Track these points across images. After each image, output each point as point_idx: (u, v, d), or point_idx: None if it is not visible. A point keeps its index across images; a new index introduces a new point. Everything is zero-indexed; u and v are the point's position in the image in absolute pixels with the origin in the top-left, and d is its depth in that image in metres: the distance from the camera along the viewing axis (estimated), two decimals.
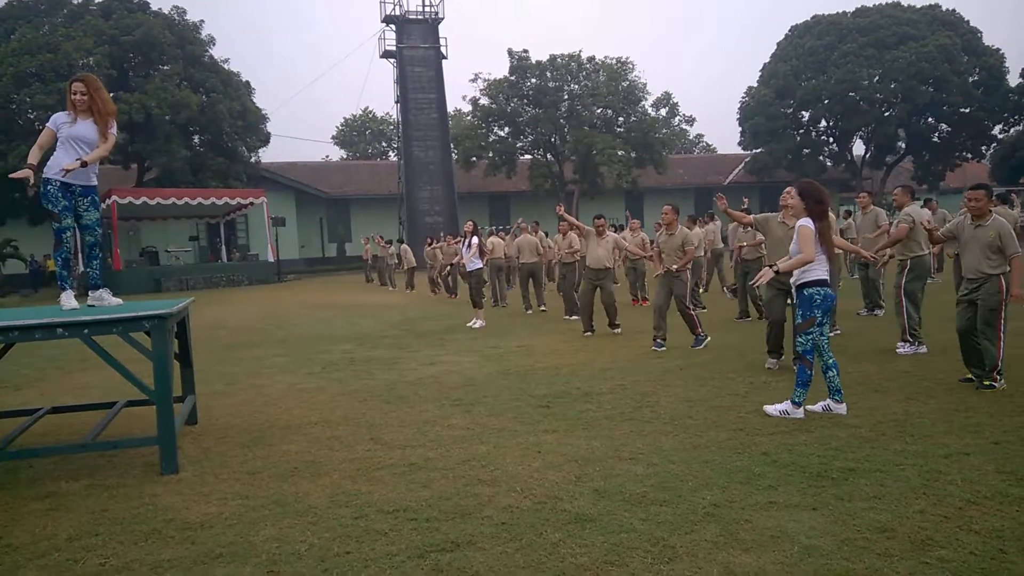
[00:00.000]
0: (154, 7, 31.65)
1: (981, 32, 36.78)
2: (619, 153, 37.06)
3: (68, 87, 5.31)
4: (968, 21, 36.85)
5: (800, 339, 5.51)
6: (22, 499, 4.39)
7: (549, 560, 3.25)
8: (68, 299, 5.28)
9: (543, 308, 13.83)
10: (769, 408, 5.54)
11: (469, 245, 12.38)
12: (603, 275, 10.33)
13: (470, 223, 12.75)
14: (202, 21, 32.66)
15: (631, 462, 4.54)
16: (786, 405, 5.48)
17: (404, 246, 22.54)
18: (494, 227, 30.10)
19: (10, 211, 28.70)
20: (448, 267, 19.05)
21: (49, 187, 5.15)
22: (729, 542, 3.35)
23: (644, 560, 3.21)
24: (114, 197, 25.56)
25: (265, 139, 34.81)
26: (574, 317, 11.86)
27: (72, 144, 5.17)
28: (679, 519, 3.62)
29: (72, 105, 5.21)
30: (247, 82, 33.95)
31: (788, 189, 7.35)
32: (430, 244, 20.85)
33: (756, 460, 4.47)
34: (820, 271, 5.42)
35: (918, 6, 37.35)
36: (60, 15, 30.10)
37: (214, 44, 32.76)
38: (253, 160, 34.66)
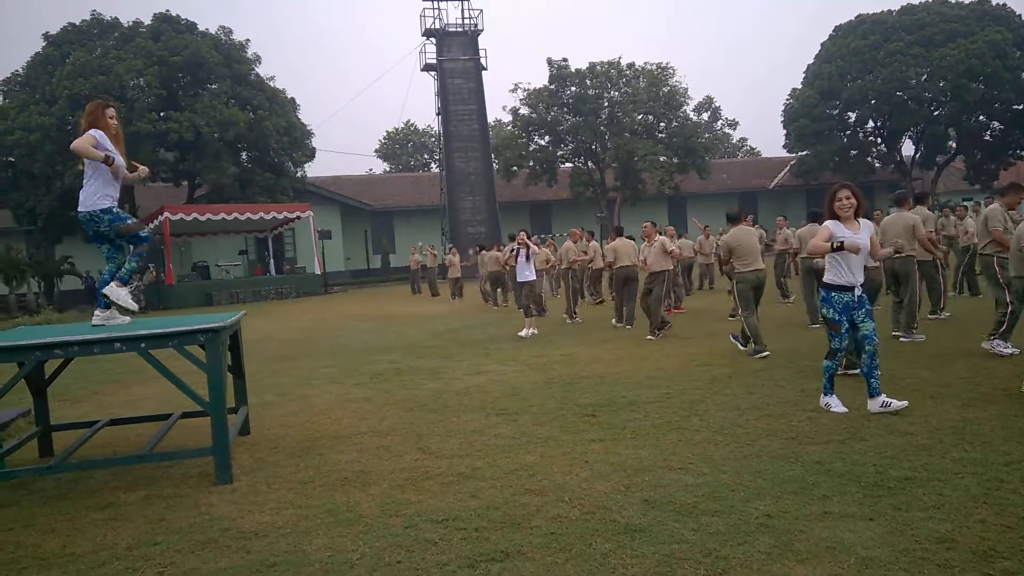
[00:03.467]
0: (201, 28, 32.45)
1: None
2: (661, 159, 36.85)
3: (101, 111, 5.20)
4: (1020, 15, 35.85)
5: None
6: (83, 509, 4.52)
7: (599, 571, 3.24)
8: (128, 296, 5.36)
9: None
10: (896, 405, 5.51)
11: (527, 256, 12.30)
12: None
13: (523, 232, 12.68)
14: (248, 40, 33.36)
15: (680, 472, 4.50)
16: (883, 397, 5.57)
17: (451, 256, 22.65)
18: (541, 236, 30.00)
19: (66, 229, 29.62)
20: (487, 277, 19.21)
21: (115, 210, 5.19)
22: (783, 553, 3.29)
23: (696, 572, 3.18)
24: (166, 214, 26.23)
25: (311, 154, 35.37)
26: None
27: (116, 174, 5.17)
28: (731, 530, 3.58)
29: (106, 131, 5.16)
30: (292, 98, 34.56)
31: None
32: (477, 252, 20.95)
33: (809, 469, 4.39)
34: None
35: (966, 2, 36.44)
36: (112, 38, 31.01)
37: (260, 62, 33.44)
38: (299, 175, 35.22)
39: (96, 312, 5.43)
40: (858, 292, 5.60)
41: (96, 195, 5.16)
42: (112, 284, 5.35)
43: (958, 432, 4.95)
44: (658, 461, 4.73)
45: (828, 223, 5.71)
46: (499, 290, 18.74)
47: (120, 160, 5.21)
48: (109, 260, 5.43)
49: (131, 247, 5.41)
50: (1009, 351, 7.39)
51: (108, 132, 5.21)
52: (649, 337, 10.58)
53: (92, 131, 5.07)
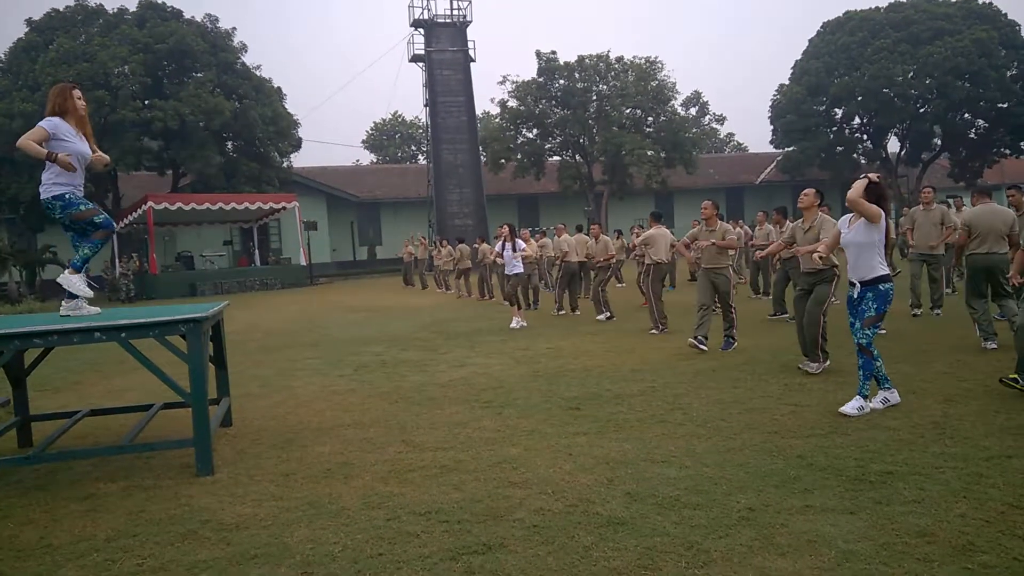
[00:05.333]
0: (187, 15, 32.12)
1: (1020, 25, 35.92)
2: (648, 153, 36.83)
3: (68, 92, 5.06)
4: (1006, 14, 36.04)
5: (868, 332, 5.53)
6: (62, 500, 4.47)
7: (581, 563, 3.24)
8: (82, 283, 5.23)
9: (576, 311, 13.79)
10: (847, 408, 5.43)
11: (512, 248, 12.34)
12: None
13: (505, 226, 12.66)
14: (234, 28, 33.01)
15: (663, 465, 4.51)
16: (860, 401, 5.45)
17: (461, 247, 22.41)
18: (530, 228, 29.88)
19: (48, 218, 29.23)
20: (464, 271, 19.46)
21: (68, 196, 5.01)
22: (765, 546, 3.30)
23: (678, 564, 3.18)
24: (150, 203, 25.96)
25: (297, 144, 35.11)
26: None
27: (79, 162, 5.03)
28: (713, 523, 3.58)
29: (75, 113, 5.05)
30: (279, 88, 34.27)
31: (806, 191, 7.37)
32: (456, 245, 21.01)
33: (791, 463, 4.41)
34: (886, 267, 5.62)
35: (953, 0, 36.63)
36: (96, 25, 30.63)
37: (246, 51, 33.08)
38: (285, 165, 34.94)
39: (63, 303, 5.32)
40: (858, 289, 5.61)
41: (50, 182, 5.01)
42: (65, 272, 5.25)
43: (939, 427, 4.99)
44: (641, 454, 4.74)
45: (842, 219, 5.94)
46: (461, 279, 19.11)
47: (84, 147, 5.10)
48: (76, 248, 5.31)
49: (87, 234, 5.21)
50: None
51: (75, 115, 5.09)
52: (652, 331, 10.54)
53: (45, 122, 4.93)
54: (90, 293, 5.31)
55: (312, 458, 5.08)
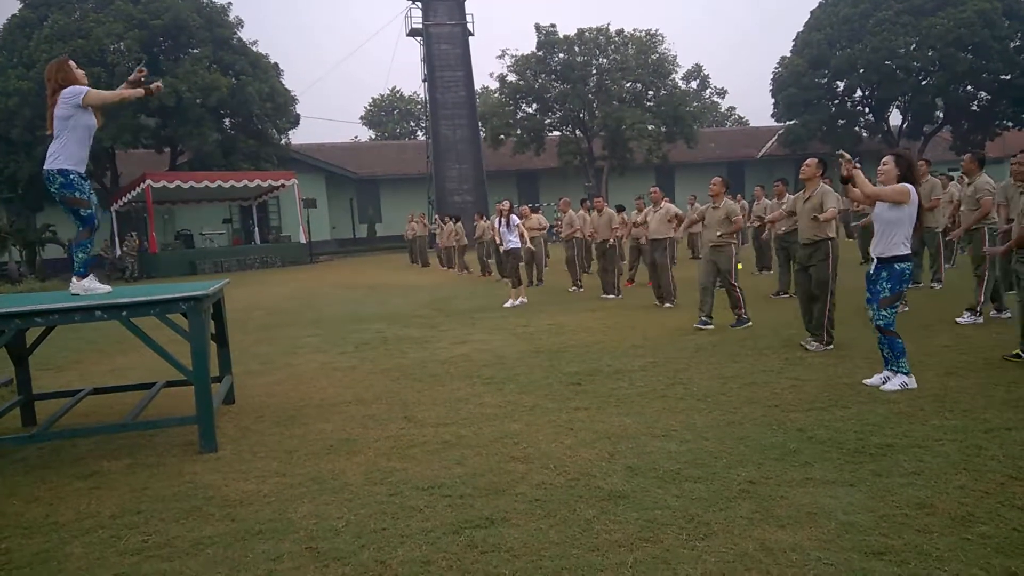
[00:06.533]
0: None
1: None
2: (649, 128, 36.56)
3: (67, 65, 5.03)
4: None
5: (885, 312, 5.46)
6: (66, 478, 4.50)
7: (583, 536, 3.26)
8: (94, 282, 5.23)
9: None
10: (887, 387, 5.35)
11: (509, 224, 12.33)
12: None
13: (506, 202, 12.62)
14: (230, 3, 32.65)
15: (664, 439, 4.53)
16: (902, 379, 5.38)
17: (457, 225, 22.33)
18: (530, 204, 29.79)
19: (48, 197, 29.14)
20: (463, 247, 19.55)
21: (72, 176, 4.97)
22: (765, 518, 3.33)
23: (679, 536, 3.20)
24: (148, 181, 25.87)
25: (295, 121, 34.87)
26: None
27: (88, 137, 5.01)
28: (713, 496, 3.61)
29: (81, 80, 5.00)
30: (276, 64, 33.96)
31: (808, 162, 7.29)
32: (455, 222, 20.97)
33: (791, 436, 4.43)
34: (908, 247, 5.50)
35: None
36: (91, 1, 30.34)
37: (242, 26, 32.78)
38: (283, 142, 34.73)
39: (73, 280, 5.33)
40: (874, 265, 5.56)
41: (58, 154, 4.97)
42: (73, 280, 5.22)
43: (939, 400, 5.01)
44: (642, 428, 4.76)
45: None
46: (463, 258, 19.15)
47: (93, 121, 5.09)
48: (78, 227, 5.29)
49: (76, 231, 5.18)
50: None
51: (83, 84, 5.05)
52: (667, 305, 10.52)
53: (78, 88, 4.90)
54: (106, 289, 5.28)
55: (315, 435, 5.10)
